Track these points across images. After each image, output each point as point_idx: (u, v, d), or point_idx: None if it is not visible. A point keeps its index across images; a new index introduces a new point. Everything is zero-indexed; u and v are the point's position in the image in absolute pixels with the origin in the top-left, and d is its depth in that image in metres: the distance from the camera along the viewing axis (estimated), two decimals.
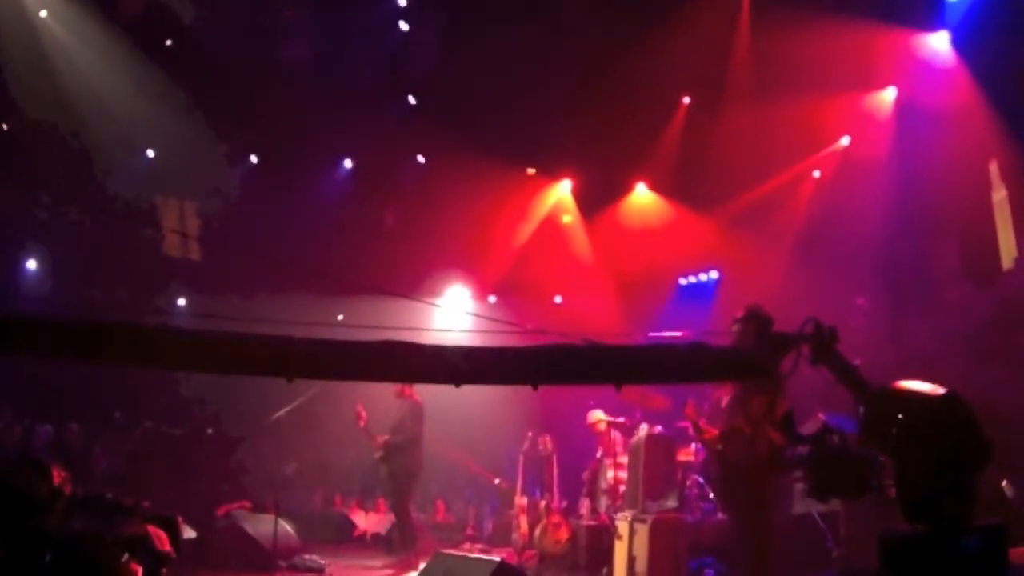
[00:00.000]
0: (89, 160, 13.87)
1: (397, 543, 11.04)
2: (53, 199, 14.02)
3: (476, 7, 13.26)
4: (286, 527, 10.11)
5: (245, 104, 14.10)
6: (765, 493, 6.64)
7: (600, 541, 9.44)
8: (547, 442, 11.75)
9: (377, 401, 10.78)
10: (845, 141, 12.46)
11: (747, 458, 6.48)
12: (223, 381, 11.90)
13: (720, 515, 8.62)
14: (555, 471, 11.48)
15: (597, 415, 10.66)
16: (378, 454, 10.71)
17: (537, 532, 10.59)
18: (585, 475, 10.90)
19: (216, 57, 13.80)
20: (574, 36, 12.75)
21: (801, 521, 8.00)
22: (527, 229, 15.07)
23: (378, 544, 12.60)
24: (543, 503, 10.89)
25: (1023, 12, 9.50)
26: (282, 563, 9.65)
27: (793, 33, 10.83)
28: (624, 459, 9.90)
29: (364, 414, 10.66)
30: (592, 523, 10.02)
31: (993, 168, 10.38)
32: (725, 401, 7.39)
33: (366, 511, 13.81)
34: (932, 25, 11.08)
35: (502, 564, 6.57)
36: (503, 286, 15.05)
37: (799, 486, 7.58)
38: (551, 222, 15.20)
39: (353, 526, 13.49)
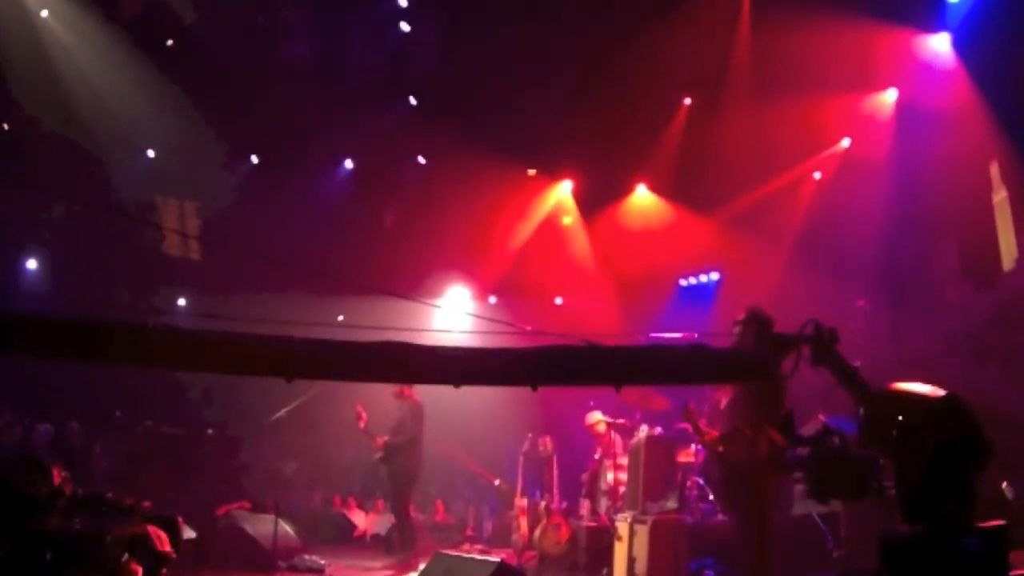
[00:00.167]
0: (89, 160, 13.87)
1: (397, 544, 11.04)
2: (53, 199, 14.01)
3: (476, 7, 13.26)
4: (286, 527, 10.10)
5: (245, 104, 14.10)
6: (766, 494, 6.64)
7: (600, 542, 9.44)
8: (547, 443, 11.74)
9: (377, 402, 10.78)
10: (846, 142, 12.46)
11: (748, 459, 6.48)
12: (223, 381, 11.98)
13: (720, 516, 8.63)
14: (555, 472, 11.48)
15: (596, 416, 10.65)
16: (378, 455, 10.71)
17: (537, 533, 10.58)
18: (584, 476, 10.90)
19: (216, 57, 13.80)
20: (574, 36, 12.74)
21: (801, 522, 8.01)
22: (527, 230, 15.07)
23: (378, 544, 12.59)
24: (543, 504, 10.88)
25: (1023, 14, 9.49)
26: (282, 563, 9.64)
27: (793, 34, 10.83)
28: (624, 460, 9.90)
29: (364, 414, 10.66)
30: (592, 524, 10.02)
31: (993, 169, 10.38)
32: (724, 402, 7.39)
33: (366, 511, 13.81)
34: (933, 26, 11.08)
35: (502, 565, 6.55)
36: (503, 287, 15.05)
37: (799, 487, 7.57)
38: (551, 223, 15.20)
39: (353, 526, 13.49)
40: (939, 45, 11.07)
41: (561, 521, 10.53)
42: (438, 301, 12.41)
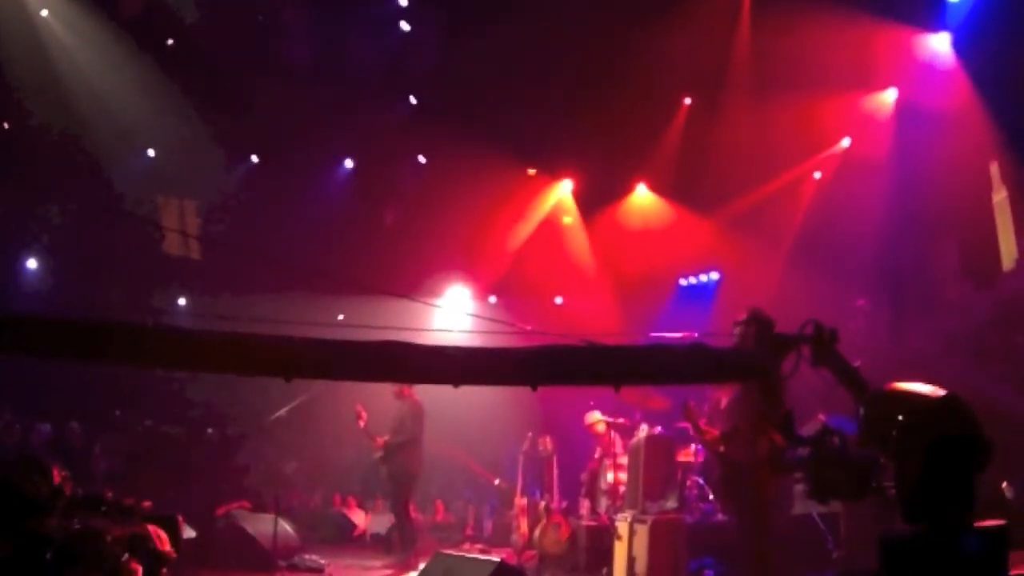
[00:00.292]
0: (89, 160, 13.87)
1: (397, 543, 11.05)
2: (53, 199, 14.01)
3: (476, 7, 13.26)
4: (286, 527, 10.11)
5: (245, 104, 14.09)
6: (767, 494, 6.64)
7: (600, 542, 9.43)
8: (547, 443, 11.73)
9: (377, 401, 10.78)
10: (846, 142, 12.46)
11: (748, 459, 6.48)
12: (223, 381, 11.98)
13: (720, 516, 8.64)
14: (555, 472, 11.47)
15: (595, 416, 10.65)
16: (378, 454, 10.71)
17: (537, 533, 10.58)
18: (584, 476, 10.90)
19: (216, 57, 13.81)
20: (574, 36, 12.74)
21: (801, 522, 8.01)
22: (527, 229, 15.06)
23: (378, 544, 12.59)
24: (543, 503, 10.88)
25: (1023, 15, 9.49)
26: (282, 563, 9.65)
27: (793, 33, 10.83)
28: (624, 460, 9.90)
29: (364, 414, 10.67)
30: (592, 524, 10.02)
31: (993, 169, 10.38)
32: (724, 402, 7.40)
33: (366, 511, 13.81)
34: (933, 26, 11.08)
35: (502, 564, 6.56)
36: (503, 286, 15.05)
37: (799, 487, 7.57)
38: (551, 222, 15.20)
39: (353, 526, 13.49)
40: (939, 45, 11.07)
41: (561, 521, 10.53)
42: (438, 301, 12.41)
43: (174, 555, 5.91)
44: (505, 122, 13.18)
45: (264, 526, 9.69)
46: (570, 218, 15.20)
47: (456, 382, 4.74)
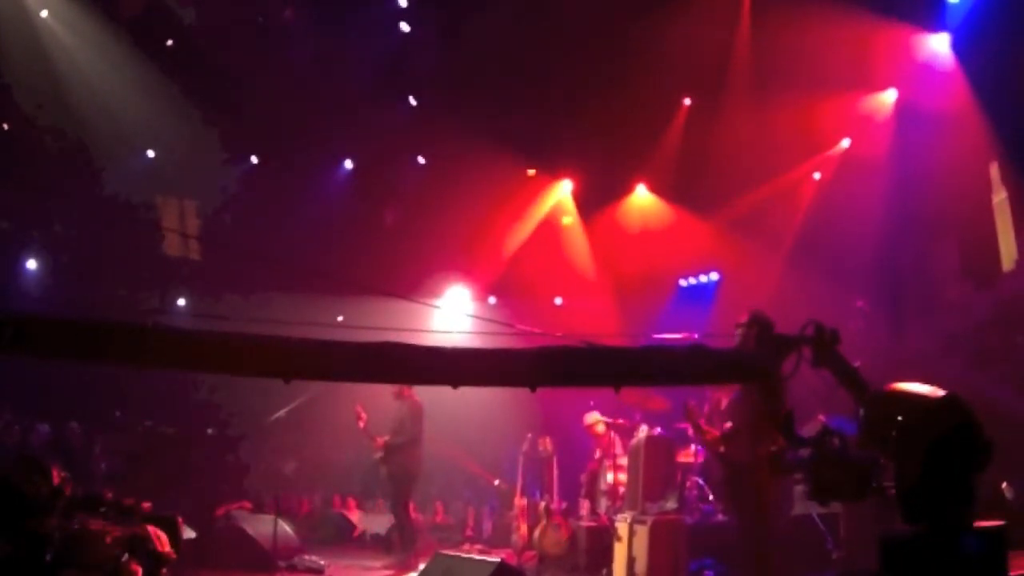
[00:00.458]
0: (89, 160, 13.87)
1: (396, 544, 11.04)
2: (53, 199, 14.00)
3: (476, 7, 13.26)
4: (285, 527, 10.11)
5: (245, 104, 14.09)
6: (768, 494, 6.65)
7: (600, 542, 9.43)
8: (547, 443, 11.74)
9: (377, 402, 10.78)
10: (846, 143, 12.46)
11: (750, 459, 6.49)
12: (223, 382, 11.98)
13: (720, 516, 8.64)
14: (555, 472, 11.47)
15: (595, 417, 10.66)
16: (377, 455, 10.71)
17: (537, 533, 10.58)
18: (584, 477, 10.90)
19: (216, 57, 13.80)
20: (574, 36, 12.74)
21: (801, 523, 8.01)
22: (527, 230, 15.05)
23: (377, 545, 12.59)
24: (543, 504, 10.88)
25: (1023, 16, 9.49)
26: (281, 563, 9.64)
27: (793, 34, 10.82)
28: (623, 461, 9.90)
29: (364, 415, 10.67)
30: (592, 524, 10.02)
31: (993, 170, 10.38)
32: (724, 402, 7.40)
33: (365, 511, 13.80)
34: (933, 26, 11.07)
35: (501, 565, 6.55)
36: (503, 287, 15.04)
37: (799, 487, 7.58)
38: (551, 223, 15.19)
39: (353, 526, 13.49)
40: (939, 45, 11.07)
41: (561, 521, 10.53)
42: (437, 301, 12.41)
43: (174, 556, 5.93)
44: (505, 122, 13.17)
45: (264, 526, 9.68)
46: (570, 219, 15.20)
47: (455, 383, 4.73)
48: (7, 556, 5.01)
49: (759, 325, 5.54)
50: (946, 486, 3.91)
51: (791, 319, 4.91)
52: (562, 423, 11.95)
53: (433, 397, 10.47)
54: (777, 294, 10.86)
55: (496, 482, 13.37)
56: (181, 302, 15.34)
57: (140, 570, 5.54)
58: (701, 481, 8.99)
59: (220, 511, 10.42)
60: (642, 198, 14.52)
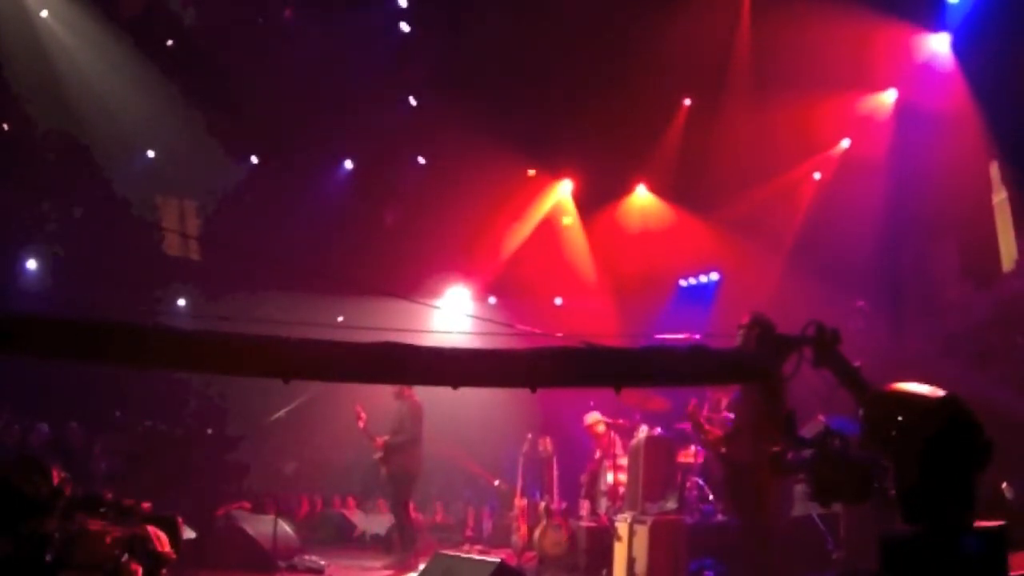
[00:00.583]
0: (89, 160, 13.86)
1: (396, 544, 11.04)
2: (53, 199, 14.01)
3: (476, 7, 13.26)
4: (285, 528, 10.10)
5: (245, 104, 14.09)
6: (769, 494, 6.65)
7: (600, 543, 9.43)
8: (547, 444, 11.74)
9: (376, 402, 10.78)
10: (846, 143, 12.46)
11: (751, 459, 6.48)
12: (223, 382, 11.98)
13: (720, 516, 8.63)
14: (555, 473, 11.47)
15: (595, 417, 10.66)
16: (377, 455, 10.71)
17: (537, 534, 10.58)
18: (584, 477, 10.90)
19: (216, 57, 13.80)
20: (574, 36, 12.74)
21: (801, 523, 8.00)
22: (527, 230, 15.06)
23: (377, 545, 12.59)
24: (543, 505, 10.88)
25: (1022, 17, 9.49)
26: (281, 564, 9.64)
27: (793, 34, 10.82)
28: (623, 461, 9.90)
29: (363, 415, 10.66)
30: (592, 525, 10.01)
31: (993, 170, 10.38)
32: (724, 403, 7.41)
33: (365, 511, 13.80)
34: (934, 26, 11.07)
35: (501, 565, 6.54)
36: (503, 287, 15.04)
37: (799, 488, 7.58)
38: (551, 223, 15.20)
39: (352, 526, 13.48)
40: (939, 45, 11.07)
41: (561, 522, 10.53)
42: (437, 302, 12.41)
43: (174, 556, 5.92)
44: (505, 122, 13.17)
45: (264, 527, 9.68)
46: (570, 219, 15.20)
47: (455, 384, 4.73)
48: (7, 556, 5.01)
49: (760, 326, 5.54)
50: (946, 486, 3.91)
51: (791, 319, 4.91)
52: (562, 423, 11.95)
53: (433, 397, 10.47)
54: (777, 294, 10.86)
55: (496, 482, 13.38)
56: (181, 302, 15.34)
57: (140, 570, 5.54)
58: (701, 481, 8.98)
59: (220, 511, 10.41)
60: (642, 198, 14.53)
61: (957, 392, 4.11)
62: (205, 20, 13.71)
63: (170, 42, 14.02)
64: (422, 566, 7.93)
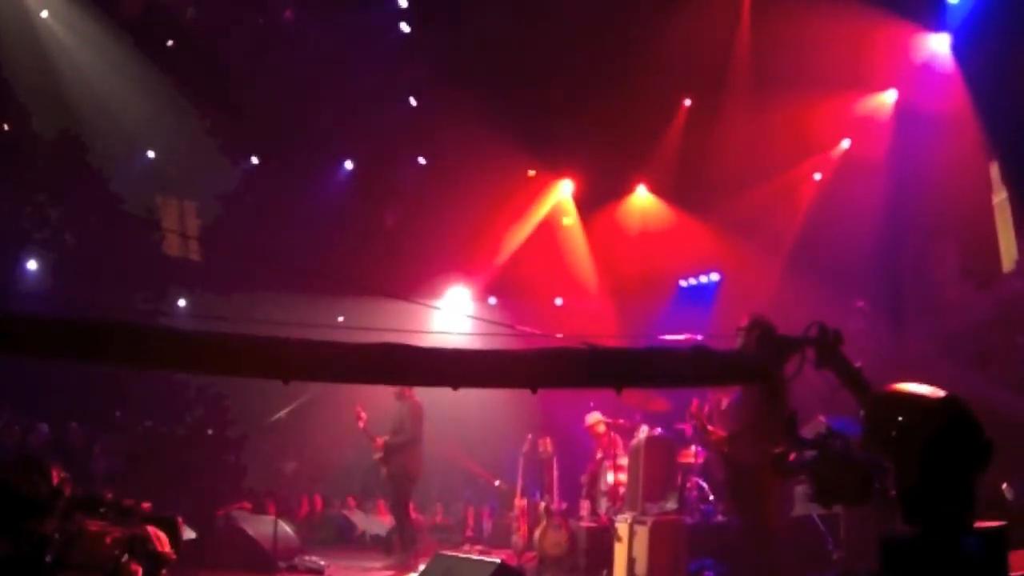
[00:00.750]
0: (89, 160, 13.87)
1: (396, 544, 11.04)
2: (53, 199, 14.01)
3: (476, 7, 13.26)
4: (286, 528, 10.10)
5: (245, 104, 14.09)
6: (770, 494, 6.65)
7: (600, 543, 9.42)
8: (547, 444, 11.73)
9: (377, 402, 10.78)
10: (846, 143, 12.46)
11: (754, 460, 6.48)
12: (223, 382, 11.97)
13: (720, 517, 8.63)
14: (555, 473, 11.47)
15: (595, 417, 10.66)
16: (377, 455, 10.70)
17: (537, 534, 10.57)
18: (584, 477, 10.89)
19: (216, 57, 13.80)
20: (574, 36, 12.74)
21: (801, 523, 8.00)
22: (527, 230, 15.06)
23: (377, 545, 12.59)
24: (543, 505, 10.88)
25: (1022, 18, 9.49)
26: (282, 564, 9.64)
27: (793, 34, 10.82)
28: (624, 461, 9.90)
29: (364, 415, 10.66)
30: (592, 525, 10.01)
31: (993, 170, 10.38)
32: (725, 403, 7.40)
33: (365, 512, 13.80)
34: (933, 26, 11.07)
35: (502, 565, 6.54)
36: (503, 288, 15.04)
37: (799, 488, 7.58)
38: (551, 223, 15.20)
39: (352, 527, 13.48)
40: (939, 46, 11.07)
41: (561, 522, 10.53)
42: (438, 302, 12.41)
43: (174, 556, 5.92)
44: (505, 122, 13.17)
45: (264, 527, 9.68)
46: (570, 219, 15.20)
47: (456, 384, 4.73)
48: (7, 556, 5.00)
49: (760, 328, 5.54)
50: (946, 487, 3.90)
51: (791, 319, 4.91)
52: (562, 424, 11.95)
53: (433, 397, 10.46)
54: (777, 294, 10.86)
55: (496, 483, 13.38)
56: (181, 302, 15.34)
57: (140, 570, 5.54)
58: (701, 482, 8.98)
59: (220, 511, 10.41)
60: (642, 198, 14.53)
61: (957, 392, 4.11)
62: (205, 20, 13.70)
63: (170, 42, 14.02)
64: (422, 566, 7.93)
